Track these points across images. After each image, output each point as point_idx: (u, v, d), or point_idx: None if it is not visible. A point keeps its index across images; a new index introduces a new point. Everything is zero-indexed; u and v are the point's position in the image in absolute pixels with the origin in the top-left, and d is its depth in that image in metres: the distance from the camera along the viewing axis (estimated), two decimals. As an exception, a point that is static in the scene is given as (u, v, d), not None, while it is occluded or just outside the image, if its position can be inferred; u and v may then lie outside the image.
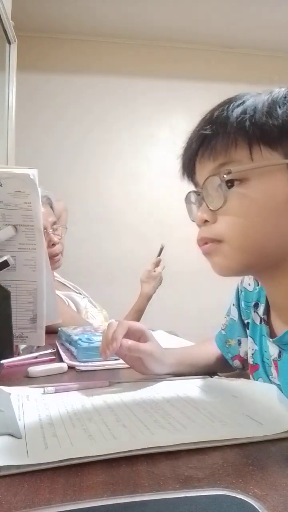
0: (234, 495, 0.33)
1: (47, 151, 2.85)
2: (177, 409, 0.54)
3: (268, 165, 0.50)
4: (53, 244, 1.38)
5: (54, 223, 1.41)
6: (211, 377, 0.73)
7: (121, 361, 0.84)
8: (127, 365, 0.82)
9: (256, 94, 0.53)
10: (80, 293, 1.61)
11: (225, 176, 0.51)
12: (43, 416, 0.52)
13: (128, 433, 0.46)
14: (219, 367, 0.79)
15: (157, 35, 2.94)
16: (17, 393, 0.61)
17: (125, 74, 3.00)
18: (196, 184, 0.59)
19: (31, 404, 0.57)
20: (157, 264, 1.64)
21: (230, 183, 0.51)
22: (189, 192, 0.60)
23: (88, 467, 0.39)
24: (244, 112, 0.51)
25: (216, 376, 0.74)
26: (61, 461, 0.40)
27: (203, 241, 0.56)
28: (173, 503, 0.33)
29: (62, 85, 2.94)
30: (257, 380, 0.68)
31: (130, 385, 0.67)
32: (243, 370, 0.77)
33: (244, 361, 0.75)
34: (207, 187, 0.54)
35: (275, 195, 0.50)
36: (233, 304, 0.75)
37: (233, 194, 0.51)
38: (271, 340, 0.62)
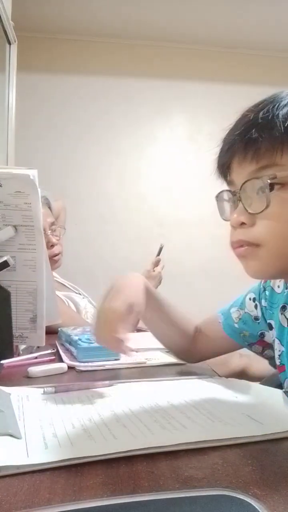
0: (234, 495, 0.33)
1: (47, 151, 2.85)
2: (177, 409, 0.54)
3: None
4: (52, 245, 1.37)
5: (53, 223, 1.40)
6: (211, 377, 0.73)
7: (121, 361, 0.84)
8: (127, 365, 0.82)
9: None
10: (79, 294, 1.61)
11: (269, 181, 0.50)
12: (43, 416, 0.52)
13: (128, 433, 0.46)
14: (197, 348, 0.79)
15: (157, 35, 2.94)
16: (17, 393, 0.61)
17: (125, 74, 3.00)
18: (230, 183, 0.58)
19: (31, 404, 0.57)
20: (156, 263, 1.64)
21: (271, 187, 0.50)
22: (222, 191, 0.58)
23: (88, 467, 0.39)
24: None
25: (216, 376, 0.74)
26: (61, 461, 0.40)
27: (239, 244, 0.55)
28: (173, 503, 0.33)
29: (62, 85, 2.94)
30: (284, 380, 0.67)
31: (130, 385, 0.67)
32: (262, 355, 0.77)
33: (266, 345, 0.74)
34: (246, 189, 0.53)
35: None
36: (250, 299, 0.74)
37: (274, 198, 0.50)
38: None
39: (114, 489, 0.35)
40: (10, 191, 0.74)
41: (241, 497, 0.33)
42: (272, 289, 0.70)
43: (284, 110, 0.50)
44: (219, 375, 0.75)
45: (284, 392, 0.65)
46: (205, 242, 2.90)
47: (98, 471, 0.38)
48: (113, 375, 0.77)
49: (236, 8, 2.62)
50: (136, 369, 0.82)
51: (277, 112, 0.50)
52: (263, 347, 0.76)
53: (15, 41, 2.02)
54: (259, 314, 0.73)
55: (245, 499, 0.32)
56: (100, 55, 2.98)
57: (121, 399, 0.59)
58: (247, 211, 0.53)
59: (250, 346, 0.76)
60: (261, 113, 0.51)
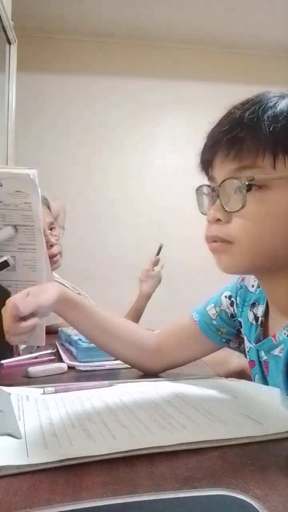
0: (234, 495, 0.33)
1: (46, 151, 2.85)
2: (177, 409, 0.54)
3: None
4: (51, 246, 1.37)
5: (51, 224, 1.40)
6: (211, 377, 0.73)
7: (120, 361, 0.84)
8: (127, 365, 0.82)
9: (283, 96, 0.53)
10: (79, 294, 1.60)
11: (247, 182, 0.51)
12: (43, 416, 0.52)
13: (128, 433, 0.46)
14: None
15: (158, 35, 2.94)
16: (17, 393, 0.61)
17: (125, 74, 3.00)
18: (210, 178, 0.59)
19: (31, 404, 0.57)
20: (156, 263, 1.63)
21: (248, 188, 0.52)
22: (201, 185, 0.60)
23: (88, 467, 0.39)
24: (276, 119, 0.50)
25: (216, 376, 0.74)
26: (61, 461, 0.40)
27: (213, 239, 0.57)
28: (173, 503, 0.33)
29: (62, 85, 2.94)
30: (254, 375, 0.69)
31: (130, 385, 0.67)
32: (239, 349, 0.77)
33: (242, 340, 0.75)
34: (224, 187, 0.54)
35: None
36: (226, 297, 0.74)
37: (251, 198, 0.52)
38: (255, 345, 0.65)
39: (114, 489, 0.35)
40: (10, 190, 0.74)
41: (241, 497, 0.33)
42: (246, 287, 0.72)
43: (270, 113, 0.51)
44: (219, 375, 0.75)
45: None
46: (204, 241, 2.90)
47: (98, 471, 0.38)
48: (113, 375, 0.77)
49: (236, 8, 2.62)
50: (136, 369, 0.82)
51: (263, 114, 0.51)
52: (239, 342, 0.76)
53: (15, 41, 2.02)
54: (235, 311, 0.73)
55: (245, 499, 0.32)
56: (100, 55, 2.98)
57: (121, 399, 0.59)
58: (224, 208, 0.54)
59: (227, 342, 0.76)
60: (247, 113, 0.52)
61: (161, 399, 0.59)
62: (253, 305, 0.68)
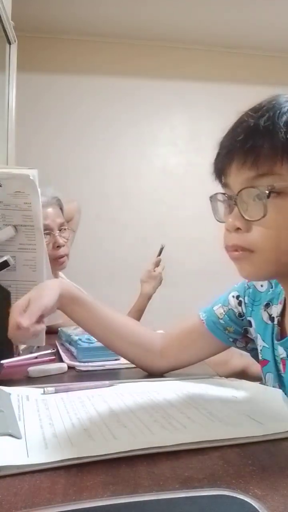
0: (234, 495, 0.33)
1: (47, 151, 2.85)
2: (177, 409, 0.54)
3: None
4: (58, 246, 1.35)
5: (62, 224, 1.38)
6: (211, 377, 0.73)
7: (121, 361, 0.84)
8: (127, 365, 0.82)
9: None
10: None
11: (267, 191, 0.51)
12: (43, 416, 0.52)
13: (128, 433, 0.46)
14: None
15: (158, 36, 2.94)
16: (17, 393, 0.61)
17: (125, 74, 3.00)
18: (225, 186, 0.58)
19: (31, 404, 0.57)
20: (157, 264, 1.63)
21: (269, 196, 0.51)
22: (216, 193, 0.59)
23: (88, 467, 0.39)
24: None
25: (216, 376, 0.74)
26: (61, 461, 0.40)
27: (233, 248, 0.56)
28: (173, 503, 0.33)
29: (62, 85, 2.94)
30: (265, 374, 0.69)
31: (130, 385, 0.67)
32: (245, 349, 0.77)
33: (249, 339, 0.75)
34: (242, 195, 0.53)
35: None
36: (234, 296, 0.75)
37: (270, 206, 0.51)
38: (277, 342, 0.65)
39: (114, 489, 0.35)
40: (10, 191, 0.74)
41: (241, 497, 0.33)
42: (255, 287, 0.72)
43: (285, 118, 0.51)
44: (219, 375, 0.75)
45: (264, 384, 0.68)
46: (205, 241, 2.90)
47: (98, 471, 0.38)
48: (113, 375, 0.77)
49: (236, 8, 2.62)
50: (136, 369, 0.82)
51: (278, 121, 0.50)
52: (246, 342, 0.76)
53: (15, 41, 2.02)
54: (243, 310, 0.74)
55: (245, 499, 0.32)
56: (100, 55, 2.98)
57: (121, 399, 0.59)
58: (243, 216, 0.54)
59: (234, 342, 0.76)
60: (262, 120, 0.51)
61: (162, 399, 0.59)
62: (267, 305, 0.69)
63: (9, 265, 0.76)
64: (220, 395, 0.62)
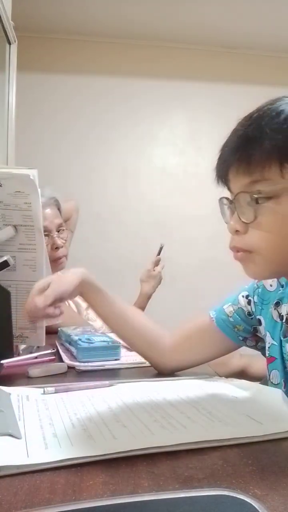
0: (234, 495, 0.33)
1: (47, 151, 2.85)
2: (177, 409, 0.54)
3: None
4: (57, 248, 1.35)
5: (60, 225, 1.39)
6: (211, 377, 0.73)
7: (121, 361, 0.84)
8: (127, 365, 0.82)
9: None
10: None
11: (255, 196, 0.54)
12: (43, 416, 0.52)
13: (128, 433, 0.46)
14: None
15: (157, 35, 2.94)
16: (17, 393, 0.61)
17: (125, 74, 3.00)
18: (229, 190, 0.61)
19: (31, 404, 0.57)
20: (156, 263, 1.63)
21: (261, 200, 0.54)
22: (222, 197, 0.62)
23: (88, 467, 0.39)
24: (279, 129, 0.52)
25: (216, 376, 0.74)
26: (61, 461, 0.40)
27: (235, 249, 0.59)
28: (173, 503, 0.33)
29: (62, 85, 2.94)
30: (271, 371, 0.70)
31: (130, 385, 0.67)
32: (256, 347, 0.78)
33: (259, 338, 0.76)
34: (239, 199, 0.56)
35: None
36: (243, 296, 0.76)
37: (264, 209, 0.54)
38: (284, 339, 0.66)
39: (114, 489, 0.35)
40: (10, 191, 0.74)
41: (241, 497, 0.33)
42: (264, 287, 0.74)
43: (272, 124, 0.53)
44: (219, 375, 0.75)
45: (268, 381, 0.69)
46: (205, 241, 2.90)
47: (98, 471, 0.38)
48: (113, 375, 0.77)
49: (236, 8, 2.62)
50: (136, 369, 0.82)
51: (265, 127, 0.53)
52: (256, 341, 0.77)
53: (15, 41, 2.02)
54: (253, 310, 0.75)
55: (245, 499, 0.32)
56: (100, 55, 2.98)
57: (121, 399, 0.59)
58: (240, 219, 0.57)
59: (244, 340, 0.77)
60: (250, 129, 0.54)
61: (162, 399, 0.59)
62: (277, 304, 0.70)
63: (9, 265, 0.76)
64: (220, 395, 0.62)
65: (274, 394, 0.60)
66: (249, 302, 0.75)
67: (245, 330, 0.75)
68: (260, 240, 0.56)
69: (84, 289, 0.78)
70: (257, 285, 0.75)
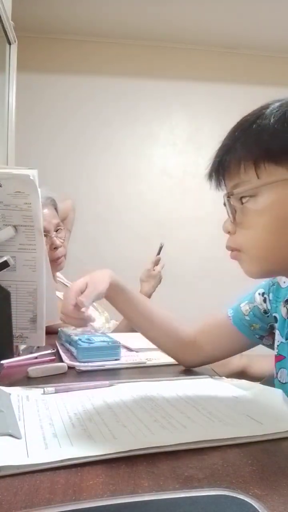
0: (234, 495, 0.33)
1: (46, 151, 2.85)
2: (177, 409, 0.54)
3: (273, 181, 0.54)
4: (55, 248, 1.36)
5: (58, 225, 1.39)
6: (211, 377, 0.73)
7: (121, 361, 0.84)
8: (127, 365, 0.82)
9: (276, 107, 0.56)
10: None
11: (236, 197, 0.58)
12: (43, 416, 0.52)
13: (128, 433, 0.46)
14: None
15: (157, 36, 2.94)
16: (17, 393, 0.61)
17: (125, 74, 3.00)
18: None
19: (31, 404, 0.57)
20: (156, 263, 1.63)
21: (242, 200, 0.58)
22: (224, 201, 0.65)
23: (88, 467, 0.39)
24: (249, 133, 0.55)
25: (216, 376, 0.74)
26: (61, 461, 0.40)
27: (229, 249, 0.63)
28: (173, 503, 0.33)
29: (62, 85, 2.94)
30: (278, 369, 0.70)
31: (130, 385, 0.67)
32: (272, 347, 0.78)
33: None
34: (228, 202, 0.60)
35: (284, 206, 0.55)
36: (259, 294, 0.77)
37: (246, 209, 0.58)
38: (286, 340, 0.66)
39: (114, 489, 0.35)
40: (10, 191, 0.74)
41: (241, 497, 0.33)
42: (279, 284, 0.74)
43: (243, 131, 0.57)
44: (219, 375, 0.75)
45: (275, 379, 0.70)
46: (205, 241, 2.90)
47: (98, 471, 0.38)
48: (113, 375, 0.77)
49: (236, 8, 2.62)
50: (136, 369, 0.82)
51: (238, 135, 0.57)
52: (273, 339, 0.77)
53: (15, 41, 2.02)
54: (268, 307, 0.75)
55: (245, 499, 0.32)
56: (100, 55, 2.98)
57: (121, 399, 0.59)
58: (230, 220, 0.60)
59: (260, 339, 0.77)
60: (228, 138, 0.59)
61: (162, 399, 0.59)
62: (287, 301, 0.70)
63: (9, 265, 0.76)
64: (220, 395, 0.62)
65: (274, 394, 0.60)
66: (264, 300, 0.76)
67: (262, 328, 0.76)
68: (245, 238, 0.59)
69: (111, 290, 0.80)
70: (272, 281, 0.76)
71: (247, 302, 0.78)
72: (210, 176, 0.63)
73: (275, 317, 0.73)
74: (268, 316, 0.75)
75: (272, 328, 0.75)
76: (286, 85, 2.81)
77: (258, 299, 0.76)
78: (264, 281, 0.78)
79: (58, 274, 1.55)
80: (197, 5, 2.60)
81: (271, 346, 0.78)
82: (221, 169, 0.60)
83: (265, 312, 0.75)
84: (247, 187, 0.57)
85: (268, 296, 0.75)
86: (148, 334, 0.84)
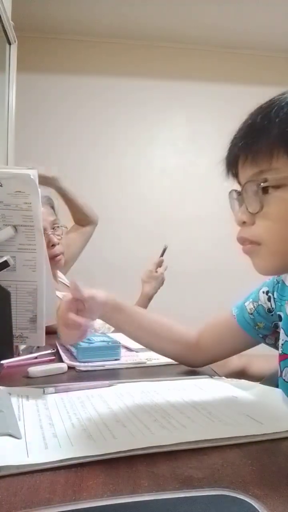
0: (234, 495, 0.33)
1: (47, 151, 2.85)
2: (177, 409, 0.54)
3: None
4: (53, 245, 1.36)
5: (54, 223, 1.40)
6: (211, 377, 0.73)
7: (121, 361, 0.84)
8: (127, 365, 0.82)
9: None
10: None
11: (262, 184, 0.53)
12: (43, 416, 0.52)
13: (128, 433, 0.46)
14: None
15: (157, 36, 2.94)
16: (17, 393, 0.61)
17: (125, 74, 3.00)
18: (238, 182, 0.60)
19: (31, 404, 0.57)
20: (159, 264, 1.62)
21: (267, 189, 0.53)
22: (231, 190, 0.61)
23: (88, 467, 0.39)
24: (286, 120, 0.51)
25: (216, 376, 0.74)
26: (61, 461, 0.40)
27: (242, 241, 0.58)
28: (173, 503, 0.33)
29: (62, 86, 2.94)
30: (283, 369, 0.69)
31: (130, 385, 0.67)
32: (275, 346, 0.77)
33: (279, 336, 0.75)
34: (246, 190, 0.55)
35: None
36: (264, 292, 0.76)
37: (271, 199, 0.53)
38: None
39: (114, 489, 0.35)
40: (10, 191, 0.74)
41: (241, 497, 0.33)
42: (284, 282, 0.73)
43: (280, 114, 0.52)
44: (219, 375, 0.75)
45: (279, 378, 0.69)
46: (205, 242, 2.90)
47: (98, 471, 0.38)
48: (113, 375, 0.77)
49: (236, 8, 2.62)
50: (136, 369, 0.82)
51: (273, 117, 0.52)
52: (276, 338, 0.76)
53: (15, 41, 2.02)
54: (273, 306, 0.74)
55: (245, 499, 0.32)
56: (100, 55, 2.98)
57: (121, 399, 0.59)
58: (247, 210, 0.55)
59: (264, 338, 0.77)
60: (259, 118, 0.53)
61: (161, 399, 0.59)
62: None
63: (9, 265, 0.76)
64: (220, 395, 0.62)
65: (274, 394, 0.60)
66: (269, 299, 0.75)
67: (265, 327, 0.75)
68: (266, 230, 0.54)
69: (106, 310, 0.76)
70: (276, 280, 0.74)
71: (251, 300, 0.77)
72: (229, 161, 0.58)
73: (279, 315, 0.73)
74: (272, 315, 0.74)
75: (276, 326, 0.75)
76: (286, 85, 2.81)
77: (263, 297, 0.76)
78: (268, 279, 0.77)
79: (58, 273, 1.55)
80: (197, 5, 2.60)
81: (273, 345, 0.78)
82: (248, 150, 0.54)
83: (269, 310, 0.75)
84: (280, 176, 0.52)
85: (273, 294, 0.74)
86: (153, 346, 0.81)
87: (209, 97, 3.04)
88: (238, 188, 0.60)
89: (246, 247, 0.57)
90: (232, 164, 0.58)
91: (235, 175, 0.59)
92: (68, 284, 1.58)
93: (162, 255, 1.63)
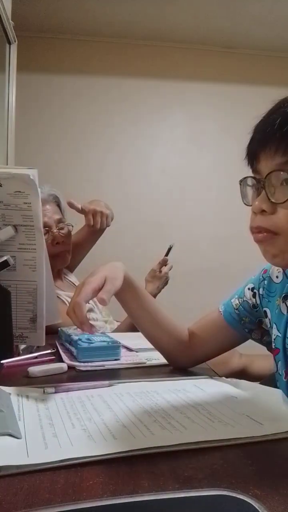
0: (234, 495, 0.33)
1: (47, 151, 2.85)
2: (177, 409, 0.54)
3: None
4: (57, 243, 1.36)
5: (59, 221, 1.40)
6: (211, 377, 0.73)
7: (121, 361, 0.84)
8: (127, 365, 0.82)
9: None
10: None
11: (279, 173, 0.52)
12: (43, 416, 0.52)
13: (128, 433, 0.46)
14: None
15: (157, 35, 2.94)
16: (17, 393, 0.61)
17: (125, 74, 3.00)
18: (255, 171, 0.59)
19: (31, 404, 0.57)
20: (163, 263, 1.60)
21: None
22: (246, 177, 0.60)
23: (88, 467, 0.39)
24: None
25: (216, 376, 0.74)
26: (61, 461, 0.40)
27: (258, 229, 0.57)
28: (173, 503, 0.33)
29: (62, 85, 2.94)
30: (277, 362, 0.70)
31: (130, 385, 0.67)
32: (261, 341, 0.79)
33: (265, 331, 0.77)
34: (271, 178, 0.54)
35: None
36: (249, 288, 0.77)
37: None
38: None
39: (114, 489, 0.35)
40: (10, 191, 0.74)
41: (241, 497, 0.33)
42: (271, 278, 0.74)
43: None
44: (219, 375, 0.75)
45: (276, 373, 0.69)
46: (205, 242, 2.90)
47: (98, 471, 0.38)
48: (113, 375, 0.77)
49: (236, 8, 2.62)
50: (136, 369, 0.82)
51: None
52: (261, 334, 0.78)
53: (15, 41, 2.02)
54: (257, 302, 0.75)
55: (245, 499, 0.32)
56: (100, 55, 2.98)
57: (121, 399, 0.59)
58: (269, 199, 0.54)
59: (250, 332, 0.78)
60: None
61: (161, 399, 0.59)
62: (285, 297, 0.69)
63: (9, 265, 0.76)
64: (220, 395, 0.62)
65: (274, 394, 0.60)
66: (254, 295, 0.76)
67: (251, 321, 0.76)
68: None
69: (122, 286, 0.74)
70: (262, 276, 0.75)
71: (237, 296, 0.79)
72: (258, 142, 0.56)
73: (265, 311, 0.74)
74: (256, 310, 0.75)
75: (260, 322, 0.76)
76: (286, 85, 2.81)
77: (248, 294, 0.77)
78: (253, 276, 0.78)
79: (65, 271, 1.55)
80: (197, 5, 2.60)
81: (259, 340, 0.79)
82: (282, 138, 0.52)
83: (254, 306, 0.76)
84: None
85: (258, 291, 0.75)
86: (152, 333, 0.82)
87: (209, 97, 3.03)
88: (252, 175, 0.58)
89: (260, 235, 0.56)
90: (256, 151, 0.56)
91: (254, 162, 0.58)
92: (72, 281, 1.58)
93: (167, 254, 1.61)
